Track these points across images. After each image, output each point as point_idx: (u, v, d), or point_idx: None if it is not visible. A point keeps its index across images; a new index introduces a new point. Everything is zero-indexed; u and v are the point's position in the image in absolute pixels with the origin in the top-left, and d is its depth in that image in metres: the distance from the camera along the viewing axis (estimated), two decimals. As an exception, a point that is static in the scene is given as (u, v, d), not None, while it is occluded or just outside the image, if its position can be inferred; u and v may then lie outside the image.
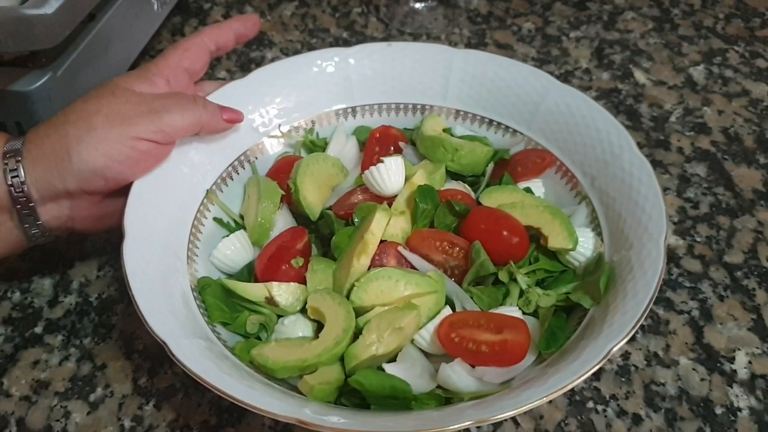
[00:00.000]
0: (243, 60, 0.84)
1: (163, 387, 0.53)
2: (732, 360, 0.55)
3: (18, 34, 0.56)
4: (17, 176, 0.49)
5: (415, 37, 0.88)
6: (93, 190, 0.51)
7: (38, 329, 0.57)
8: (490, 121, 0.63)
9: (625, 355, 0.55)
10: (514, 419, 0.51)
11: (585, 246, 0.53)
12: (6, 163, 0.49)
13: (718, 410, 0.52)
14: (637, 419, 0.52)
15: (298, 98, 0.63)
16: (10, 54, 0.62)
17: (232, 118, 0.57)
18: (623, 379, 0.54)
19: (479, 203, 0.57)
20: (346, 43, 0.64)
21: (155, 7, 0.81)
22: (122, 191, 0.52)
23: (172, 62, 0.56)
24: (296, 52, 0.84)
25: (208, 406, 0.52)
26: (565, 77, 0.81)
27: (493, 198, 0.57)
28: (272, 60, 0.83)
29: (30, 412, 0.52)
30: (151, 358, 0.55)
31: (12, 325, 0.57)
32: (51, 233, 0.53)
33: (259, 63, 0.83)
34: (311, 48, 0.64)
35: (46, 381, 0.53)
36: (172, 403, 0.52)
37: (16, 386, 0.53)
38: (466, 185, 0.60)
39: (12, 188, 0.49)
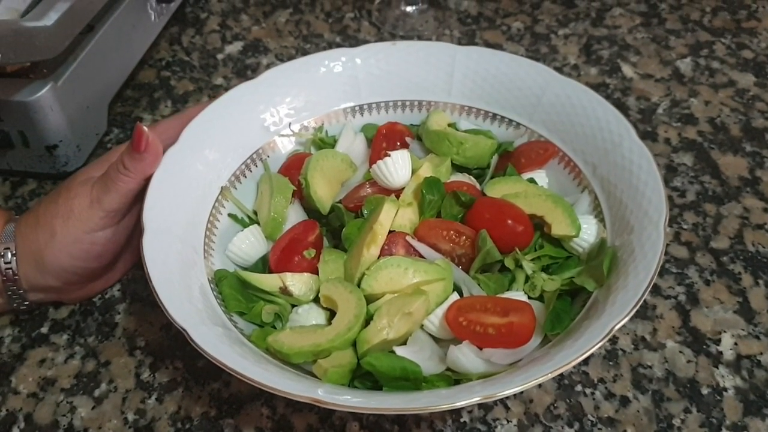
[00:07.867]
0: (239, 66, 0.86)
1: (164, 381, 0.55)
2: (718, 342, 0.57)
3: (19, 45, 0.58)
4: (10, 269, 0.53)
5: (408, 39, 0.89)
6: (71, 282, 0.56)
7: (44, 329, 0.59)
8: (494, 115, 0.65)
9: (613, 340, 0.57)
10: (504, 404, 0.53)
11: (588, 232, 0.55)
12: (2, 255, 0.53)
13: (704, 390, 0.54)
14: (624, 401, 0.53)
15: (308, 98, 0.65)
16: (12, 65, 0.65)
17: (138, 144, 0.52)
18: (611, 363, 0.55)
19: (484, 194, 0.58)
20: (340, 47, 0.65)
21: (153, 17, 0.83)
22: (104, 272, 0.58)
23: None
24: (290, 58, 0.86)
25: (208, 398, 0.54)
26: (553, 73, 0.83)
27: (498, 189, 0.58)
28: (268, 66, 0.85)
29: (37, 408, 0.53)
30: (153, 354, 0.57)
31: (19, 326, 0.59)
32: (39, 306, 0.60)
33: (255, 69, 0.85)
34: (305, 53, 0.65)
35: (53, 378, 0.55)
36: (174, 397, 0.54)
37: (23, 384, 0.55)
38: (472, 177, 0.61)
39: (6, 279, 0.54)
